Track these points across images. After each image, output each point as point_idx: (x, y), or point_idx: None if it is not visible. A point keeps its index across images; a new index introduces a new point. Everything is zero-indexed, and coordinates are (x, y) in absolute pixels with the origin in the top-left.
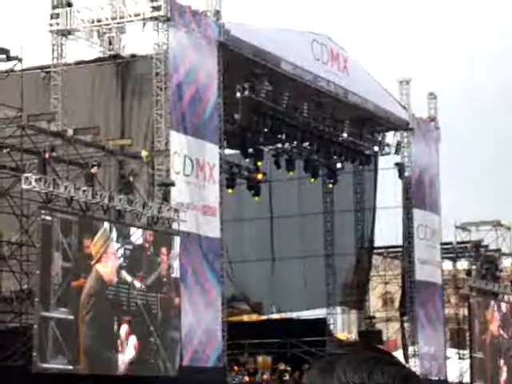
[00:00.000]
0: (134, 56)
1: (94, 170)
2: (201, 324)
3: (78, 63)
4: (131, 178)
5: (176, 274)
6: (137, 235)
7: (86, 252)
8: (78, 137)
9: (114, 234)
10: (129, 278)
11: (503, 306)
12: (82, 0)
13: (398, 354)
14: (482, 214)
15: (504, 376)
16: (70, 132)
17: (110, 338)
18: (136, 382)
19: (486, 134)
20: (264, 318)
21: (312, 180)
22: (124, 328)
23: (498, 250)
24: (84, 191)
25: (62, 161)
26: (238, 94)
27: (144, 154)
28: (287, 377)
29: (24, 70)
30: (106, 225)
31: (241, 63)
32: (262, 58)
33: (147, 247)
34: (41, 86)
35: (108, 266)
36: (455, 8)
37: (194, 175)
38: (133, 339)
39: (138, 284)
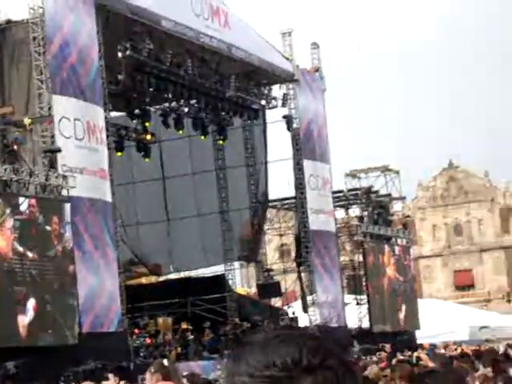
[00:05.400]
0: (9, 22)
1: None
2: (103, 289)
3: None
4: (15, 147)
5: (69, 241)
6: (25, 205)
7: None
8: None
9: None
10: (21, 249)
11: (397, 250)
12: None
13: (297, 304)
14: (369, 161)
15: (402, 315)
16: None
17: (9, 310)
18: (36, 352)
19: (369, 79)
20: (162, 279)
21: (202, 138)
22: (20, 296)
23: (389, 195)
24: None
25: None
26: (120, 54)
27: (27, 121)
28: (190, 336)
29: None
30: None
31: (120, 23)
32: (140, 16)
33: (37, 216)
34: None
35: (4, 239)
36: None
37: (86, 139)
38: (31, 301)
39: (30, 254)
